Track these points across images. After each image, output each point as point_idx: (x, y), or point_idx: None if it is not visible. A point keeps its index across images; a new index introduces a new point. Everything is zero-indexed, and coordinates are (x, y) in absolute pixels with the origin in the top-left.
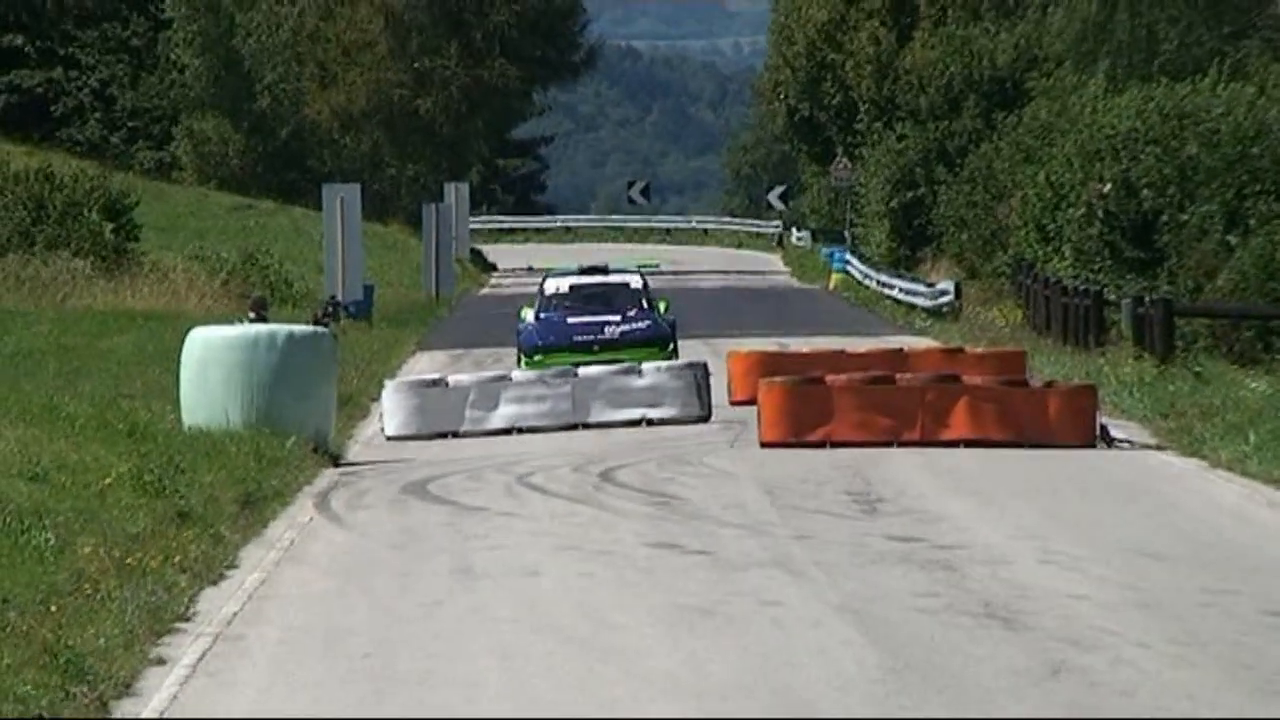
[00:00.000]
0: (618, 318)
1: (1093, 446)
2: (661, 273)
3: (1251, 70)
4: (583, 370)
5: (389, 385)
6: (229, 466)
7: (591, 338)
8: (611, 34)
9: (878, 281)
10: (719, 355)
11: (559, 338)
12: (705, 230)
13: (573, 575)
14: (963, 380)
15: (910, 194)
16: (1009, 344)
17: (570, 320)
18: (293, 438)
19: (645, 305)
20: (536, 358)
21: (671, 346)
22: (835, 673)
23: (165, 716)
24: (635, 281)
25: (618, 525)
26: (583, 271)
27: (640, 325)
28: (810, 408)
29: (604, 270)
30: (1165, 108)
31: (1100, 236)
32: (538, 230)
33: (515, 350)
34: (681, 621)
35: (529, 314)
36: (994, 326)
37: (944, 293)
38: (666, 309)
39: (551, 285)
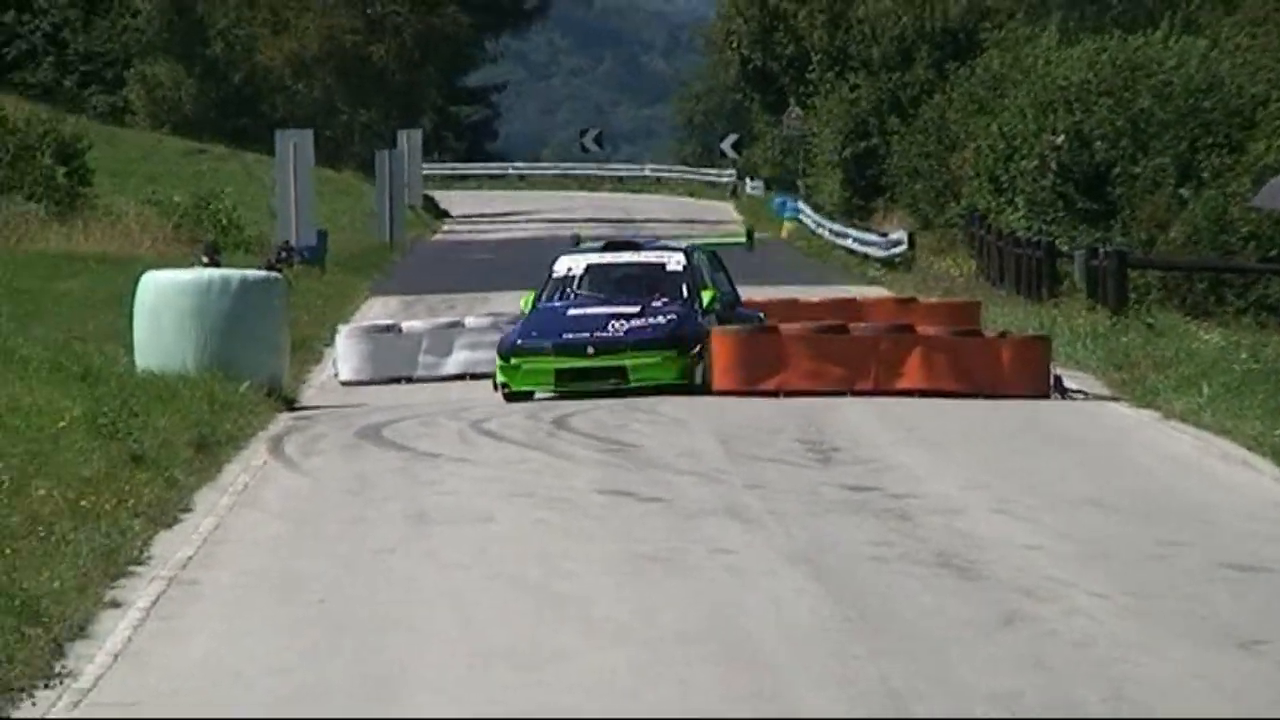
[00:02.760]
0: (634, 309)
1: (1046, 397)
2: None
3: (1203, 23)
4: None
5: (342, 330)
6: (183, 410)
7: (585, 336)
8: None
9: (831, 231)
10: None
11: (542, 335)
12: (658, 179)
13: (526, 522)
14: (916, 330)
15: (863, 144)
16: (962, 295)
17: (572, 312)
18: (246, 382)
19: (688, 291)
20: (513, 362)
21: (697, 350)
22: (788, 622)
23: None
24: (676, 261)
25: (571, 472)
26: (606, 248)
27: (655, 321)
28: (763, 356)
29: (635, 246)
30: (1118, 60)
31: (1053, 188)
32: (490, 177)
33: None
34: (634, 569)
35: (527, 302)
36: (947, 277)
37: (897, 243)
38: (712, 301)
39: (562, 264)
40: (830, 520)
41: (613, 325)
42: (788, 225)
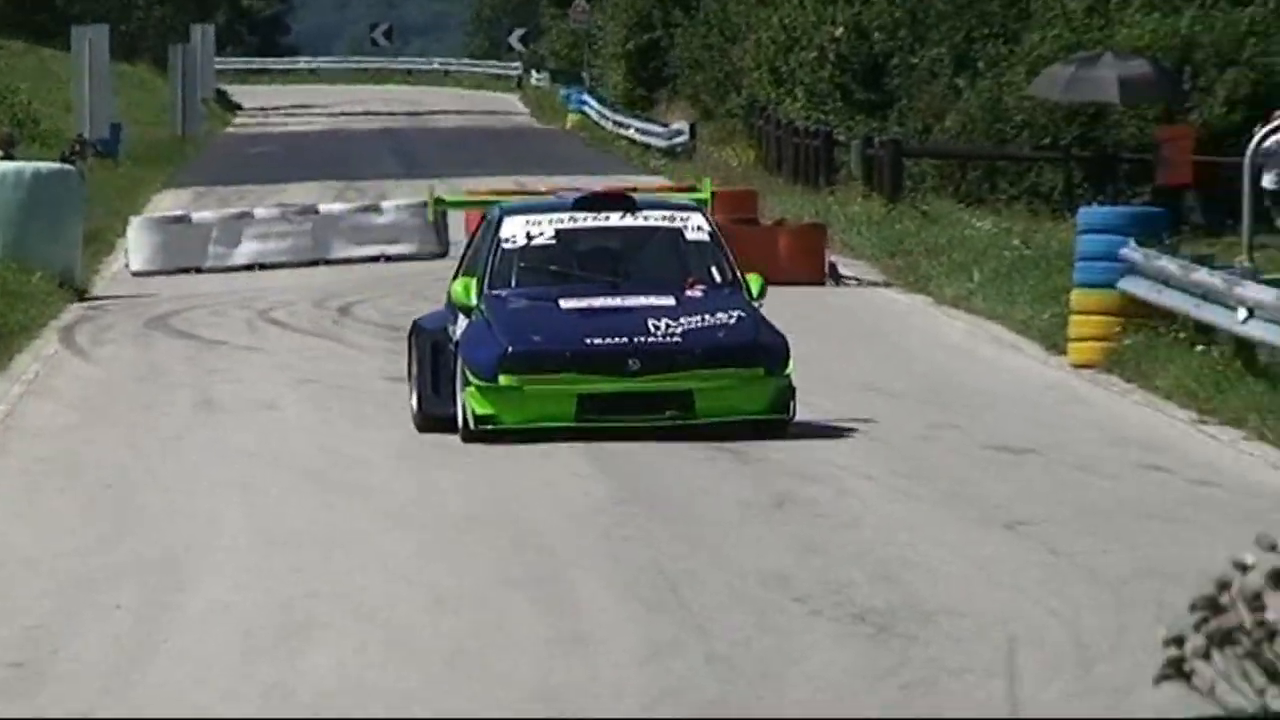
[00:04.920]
0: (669, 301)
1: (822, 283)
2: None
3: None
4: (323, 207)
5: (134, 221)
6: None
7: (625, 342)
8: None
9: (614, 122)
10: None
11: (551, 340)
12: (446, 72)
13: (311, 409)
14: None
15: (646, 37)
16: (741, 183)
17: (567, 305)
18: (39, 273)
19: (722, 275)
20: (505, 382)
21: (789, 370)
22: (565, 504)
23: None
24: (696, 226)
25: (355, 359)
26: (581, 204)
27: (722, 319)
28: None
29: (628, 203)
30: None
31: (832, 79)
32: (282, 71)
33: (430, 356)
34: (417, 454)
35: (468, 291)
36: (727, 166)
37: (679, 133)
38: (761, 290)
39: (516, 229)
40: None
41: (654, 325)
42: (573, 117)
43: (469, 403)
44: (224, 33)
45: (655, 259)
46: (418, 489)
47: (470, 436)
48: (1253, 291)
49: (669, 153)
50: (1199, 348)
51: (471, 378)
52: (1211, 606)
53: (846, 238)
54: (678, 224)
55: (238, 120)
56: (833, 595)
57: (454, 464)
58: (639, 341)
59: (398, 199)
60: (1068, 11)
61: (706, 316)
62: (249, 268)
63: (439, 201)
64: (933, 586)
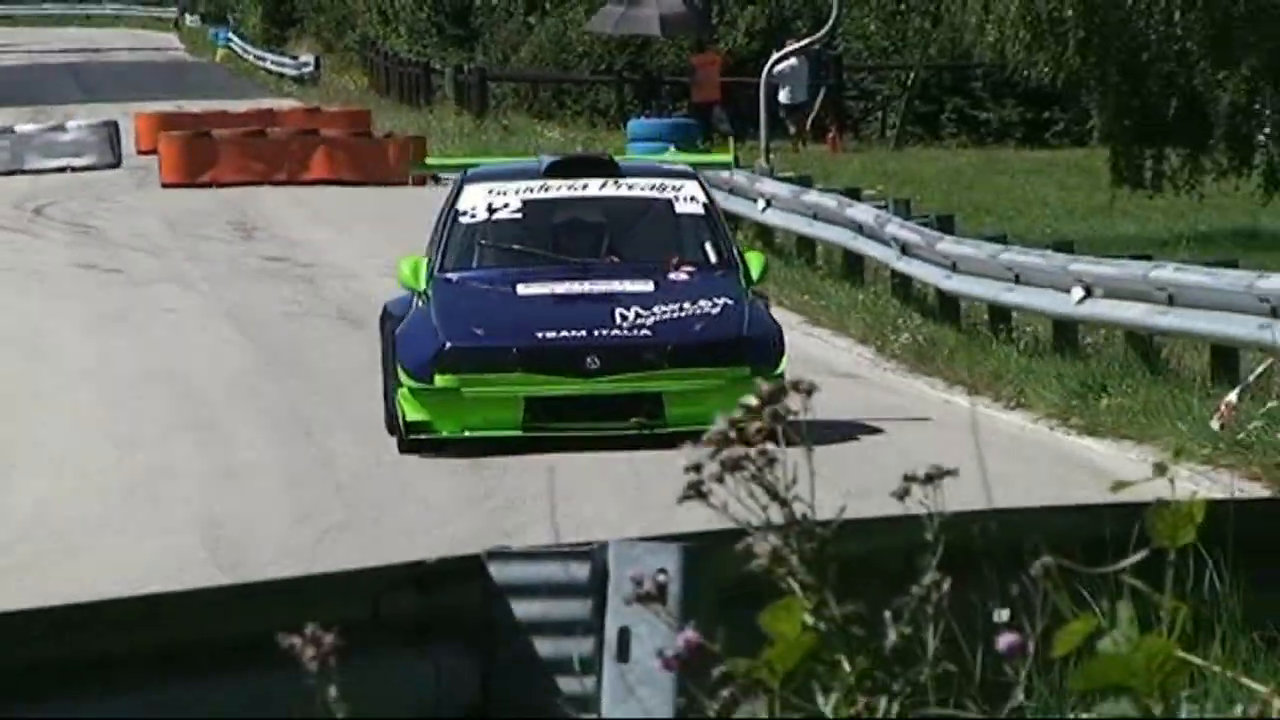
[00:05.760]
0: (646, 286)
1: (423, 184)
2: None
3: None
4: (19, 127)
5: None
6: None
7: (583, 337)
8: None
9: (254, 55)
10: (129, 115)
11: (497, 334)
12: (117, 16)
13: (11, 291)
14: (321, 133)
15: None
16: (358, 104)
17: (525, 291)
18: None
19: (717, 254)
20: (441, 383)
21: (780, 368)
22: (219, 364)
23: None
24: (689, 197)
25: (49, 250)
26: (554, 170)
27: (705, 308)
28: (200, 155)
29: (609, 167)
30: None
31: (428, 18)
32: None
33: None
34: (99, 326)
35: (416, 272)
36: (346, 91)
37: (305, 64)
38: (763, 272)
39: (476, 199)
40: (252, 284)
41: (621, 316)
42: (220, 51)
43: (401, 406)
44: None
45: (639, 236)
46: (99, 353)
47: (405, 447)
48: (769, 186)
49: (299, 80)
50: None
51: (404, 377)
52: (723, 440)
53: (443, 147)
54: (668, 194)
55: None
56: None
57: (129, 333)
58: (600, 335)
59: (79, 120)
60: None
61: (687, 305)
62: None
63: (421, 165)
64: None
